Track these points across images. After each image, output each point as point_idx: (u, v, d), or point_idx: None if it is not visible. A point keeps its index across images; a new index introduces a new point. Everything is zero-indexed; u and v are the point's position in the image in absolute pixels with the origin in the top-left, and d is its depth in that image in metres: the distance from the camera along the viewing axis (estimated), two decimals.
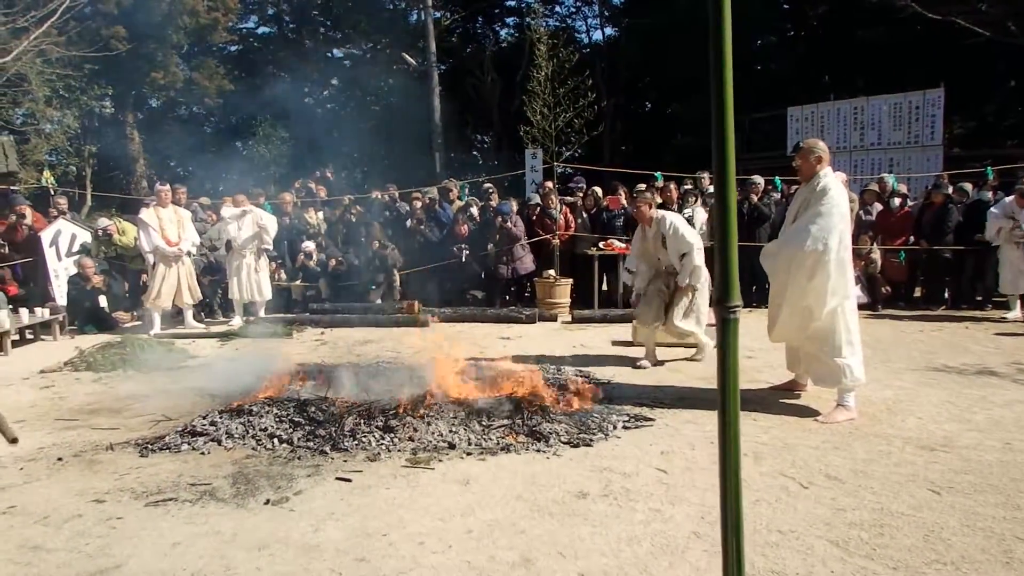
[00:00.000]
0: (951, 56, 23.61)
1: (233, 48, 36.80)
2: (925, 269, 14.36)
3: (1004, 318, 12.36)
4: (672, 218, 9.33)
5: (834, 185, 6.83)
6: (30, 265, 14.34)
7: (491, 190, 16.47)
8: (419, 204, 16.08)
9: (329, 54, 40.89)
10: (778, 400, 7.50)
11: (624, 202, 14.93)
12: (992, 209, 12.87)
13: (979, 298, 13.76)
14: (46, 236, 14.10)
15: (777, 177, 15.58)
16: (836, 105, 23.33)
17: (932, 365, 9.02)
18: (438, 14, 35.61)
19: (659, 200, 13.51)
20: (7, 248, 14.31)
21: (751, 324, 12.15)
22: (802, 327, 6.90)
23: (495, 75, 34.80)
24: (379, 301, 14.44)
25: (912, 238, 14.10)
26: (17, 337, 12.10)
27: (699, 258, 9.11)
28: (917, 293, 14.48)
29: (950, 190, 14.40)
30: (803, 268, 6.70)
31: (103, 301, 13.77)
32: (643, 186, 15.08)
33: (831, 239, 6.59)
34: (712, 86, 2.16)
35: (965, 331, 11.52)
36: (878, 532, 4.41)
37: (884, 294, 13.65)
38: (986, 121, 27.72)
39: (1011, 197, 12.82)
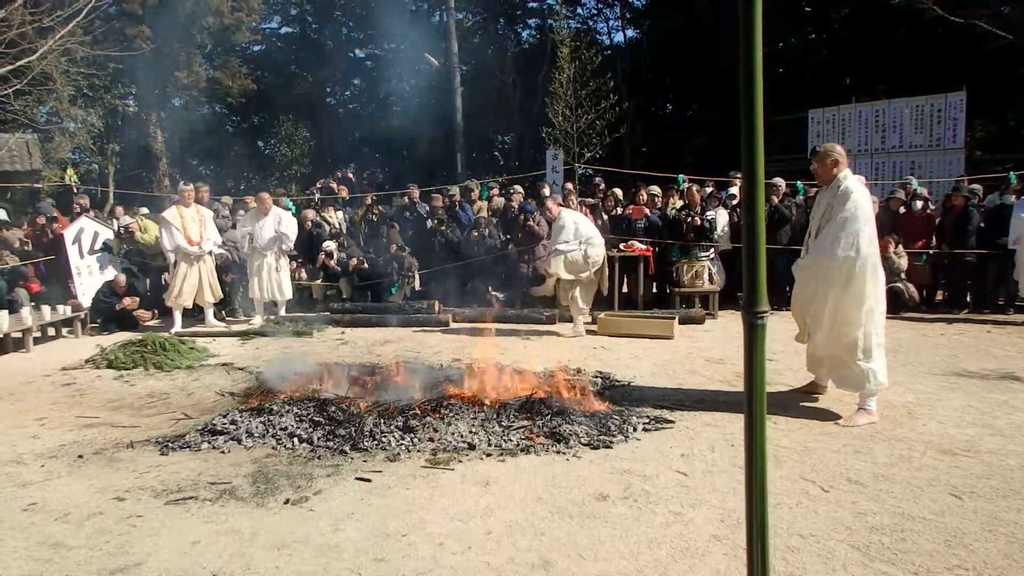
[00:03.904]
0: (973, 59, 23.38)
1: (256, 48, 36.90)
2: (947, 272, 14.22)
3: None
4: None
5: (855, 187, 6.83)
6: (52, 262, 14.40)
7: (514, 191, 16.40)
8: (440, 204, 16.06)
9: (351, 54, 40.98)
10: (799, 403, 7.44)
11: (647, 211, 14.86)
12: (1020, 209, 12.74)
13: (1001, 302, 13.63)
14: (69, 234, 14.13)
15: (799, 182, 15.52)
16: (858, 108, 23.14)
17: (954, 369, 8.95)
18: (460, 15, 35.61)
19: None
20: (30, 245, 14.38)
21: (773, 326, 12.09)
22: (841, 335, 6.84)
23: (516, 76, 34.78)
24: (400, 302, 14.41)
25: (934, 241, 14.00)
26: (39, 334, 12.17)
27: (567, 249, 11.70)
28: (939, 296, 14.37)
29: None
30: (840, 276, 6.71)
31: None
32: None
33: (861, 242, 6.63)
34: (742, 105, 2.14)
35: (987, 335, 11.41)
36: (899, 537, 4.39)
37: (911, 299, 13.52)
38: (1008, 125, 27.51)
39: None
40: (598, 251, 11.89)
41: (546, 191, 16.28)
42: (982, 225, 13.55)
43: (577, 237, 11.71)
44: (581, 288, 12.04)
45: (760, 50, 2.09)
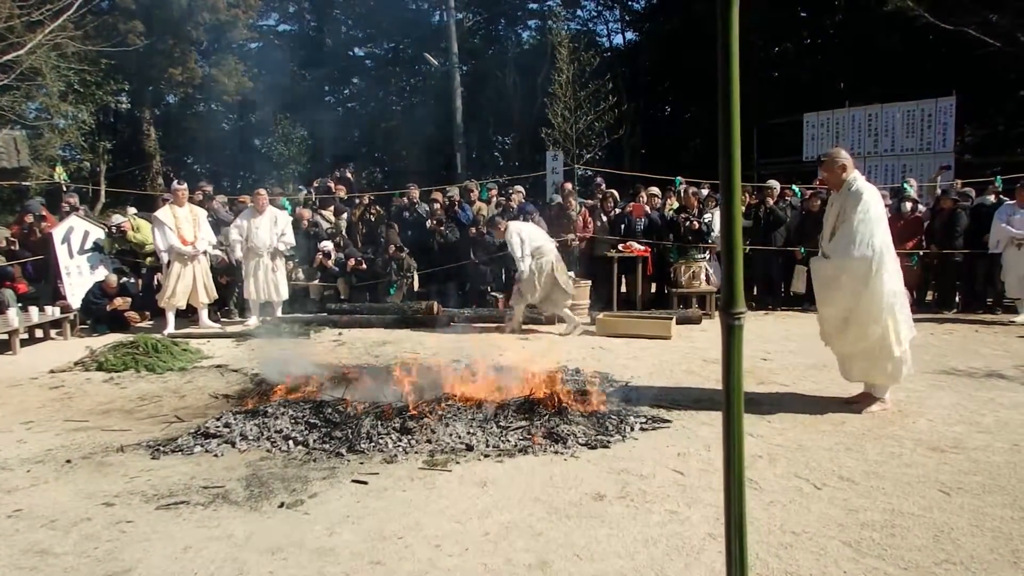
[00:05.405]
0: (963, 65, 23.76)
1: (253, 45, 36.83)
2: (936, 273, 14.37)
3: (1012, 322, 12.35)
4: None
5: (865, 188, 7.02)
6: (41, 262, 14.29)
7: (512, 191, 16.34)
8: (439, 204, 15.98)
9: (351, 53, 40.97)
10: (792, 402, 7.51)
11: (647, 209, 14.83)
12: (1000, 217, 12.87)
13: (989, 301, 13.78)
14: (58, 233, 14.02)
15: (795, 185, 15.57)
16: (851, 112, 23.70)
17: (943, 368, 9.02)
18: (460, 15, 35.62)
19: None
20: (17, 244, 14.26)
21: (768, 326, 12.17)
22: (868, 333, 6.93)
23: (517, 77, 34.79)
24: (399, 302, 14.31)
25: (923, 241, 14.12)
26: (26, 336, 12.00)
27: (524, 267, 12.02)
28: (929, 297, 14.46)
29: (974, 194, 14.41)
30: (858, 275, 6.85)
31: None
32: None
33: (875, 240, 6.81)
34: (720, 113, 2.12)
35: (975, 335, 11.51)
36: (889, 533, 4.46)
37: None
38: (997, 129, 28.09)
39: (1012, 201, 12.97)
40: (547, 258, 12.15)
41: (568, 186, 16.25)
42: (967, 223, 13.63)
43: (522, 250, 12.05)
44: (546, 294, 12.28)
45: (736, 58, 2.09)
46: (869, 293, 6.80)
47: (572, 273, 13.88)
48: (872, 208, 6.87)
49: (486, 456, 5.91)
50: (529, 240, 12.14)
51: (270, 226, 13.52)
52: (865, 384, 7.40)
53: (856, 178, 7.08)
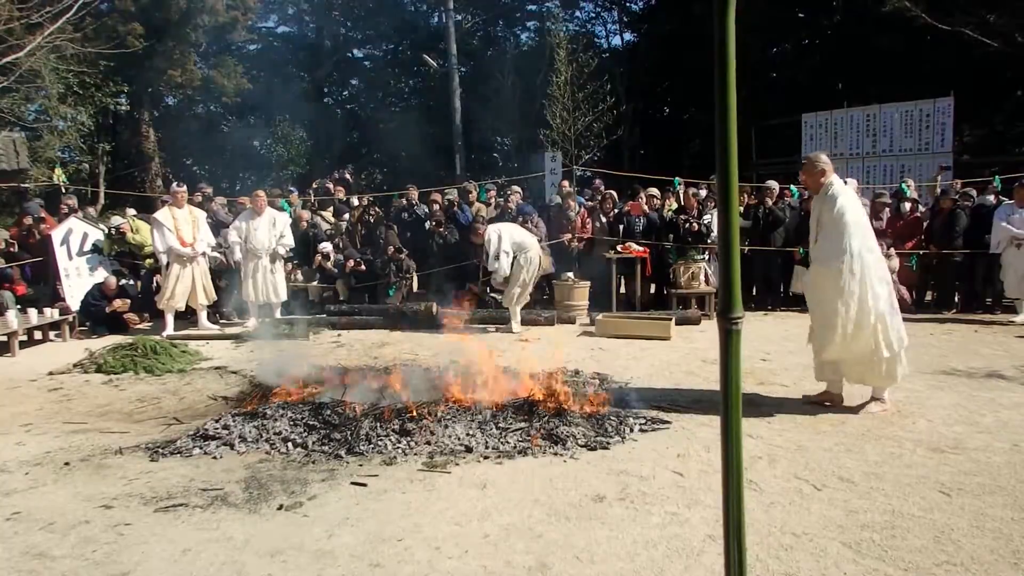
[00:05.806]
0: (961, 65, 23.74)
1: (252, 47, 36.78)
2: (936, 273, 14.35)
3: (1011, 321, 12.35)
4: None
5: (841, 192, 7.10)
6: (40, 264, 14.27)
7: (510, 192, 16.32)
8: (438, 206, 15.96)
9: (349, 54, 40.93)
10: (792, 403, 7.52)
11: (645, 208, 14.83)
12: (999, 216, 12.89)
13: (989, 301, 13.77)
14: (57, 235, 13.99)
15: (793, 186, 15.57)
16: (849, 112, 23.59)
17: (942, 368, 9.02)
18: (459, 17, 35.58)
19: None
20: (16, 247, 14.23)
21: (768, 327, 12.16)
22: (857, 336, 6.95)
23: (515, 78, 34.75)
24: (397, 304, 14.28)
25: (923, 241, 14.09)
26: (25, 338, 11.97)
27: (501, 263, 12.16)
28: (928, 297, 14.44)
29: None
30: (839, 279, 6.87)
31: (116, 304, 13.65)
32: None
33: (852, 244, 6.85)
34: (717, 116, 2.10)
35: (975, 335, 11.50)
36: (890, 534, 4.47)
37: (901, 301, 13.55)
38: (995, 129, 28.11)
39: (1011, 201, 13.03)
40: (530, 254, 12.44)
41: (566, 184, 16.31)
42: (967, 223, 13.63)
43: (497, 247, 12.19)
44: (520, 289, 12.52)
45: (733, 59, 2.07)
46: (853, 296, 6.83)
47: (571, 274, 13.90)
48: (848, 212, 6.91)
49: (485, 458, 5.90)
50: (508, 237, 12.29)
51: (269, 228, 13.49)
52: (828, 383, 7.46)
53: (833, 182, 7.15)
